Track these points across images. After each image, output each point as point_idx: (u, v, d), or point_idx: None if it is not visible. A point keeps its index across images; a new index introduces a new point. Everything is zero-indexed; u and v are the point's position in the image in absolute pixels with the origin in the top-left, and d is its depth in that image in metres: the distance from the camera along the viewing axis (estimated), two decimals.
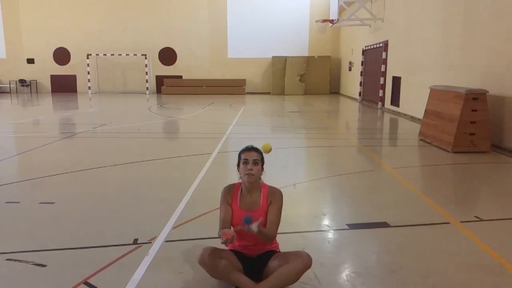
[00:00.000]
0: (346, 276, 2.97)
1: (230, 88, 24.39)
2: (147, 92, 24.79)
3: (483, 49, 8.36)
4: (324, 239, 3.67)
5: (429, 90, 9.07)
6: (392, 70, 14.70)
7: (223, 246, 2.77)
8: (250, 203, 2.86)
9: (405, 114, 13.06)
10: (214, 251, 2.72)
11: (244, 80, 24.90)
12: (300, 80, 24.11)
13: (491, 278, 2.94)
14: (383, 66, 15.29)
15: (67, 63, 25.41)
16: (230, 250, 2.86)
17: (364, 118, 13.75)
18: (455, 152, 7.35)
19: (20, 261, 3.16)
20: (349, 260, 3.25)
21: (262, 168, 2.87)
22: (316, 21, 21.23)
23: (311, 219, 4.19)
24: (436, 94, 8.63)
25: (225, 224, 2.84)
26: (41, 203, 4.59)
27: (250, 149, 2.87)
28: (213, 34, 24.68)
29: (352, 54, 21.28)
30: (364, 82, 18.70)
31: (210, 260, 2.67)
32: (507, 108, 7.54)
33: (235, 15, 24.45)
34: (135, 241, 3.51)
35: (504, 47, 7.64)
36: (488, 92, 7.46)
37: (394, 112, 14.12)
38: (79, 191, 5.12)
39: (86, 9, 24.62)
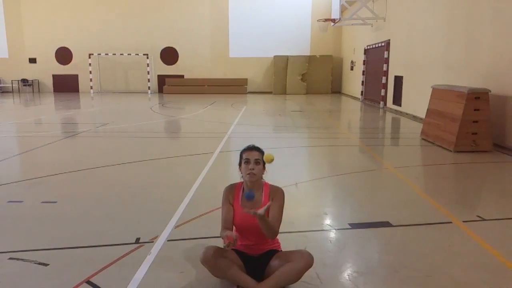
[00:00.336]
0: (348, 275, 2.97)
1: (232, 87, 24.39)
2: (149, 91, 24.81)
3: (486, 48, 8.34)
4: (326, 238, 3.67)
5: (431, 89, 9.05)
6: (394, 70, 14.67)
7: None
8: (252, 202, 2.85)
9: (407, 114, 13.04)
10: (217, 250, 2.72)
11: (246, 79, 24.90)
12: (301, 79, 24.09)
13: (493, 278, 2.93)
14: (385, 65, 15.26)
15: (69, 63, 25.45)
16: (232, 249, 2.86)
17: (366, 117, 13.73)
18: (457, 152, 7.34)
19: (22, 260, 3.17)
20: (351, 260, 3.25)
21: (264, 168, 2.87)
22: (318, 20, 21.21)
23: (313, 218, 4.19)
24: (438, 93, 8.61)
25: (227, 224, 2.84)
26: (43, 202, 4.60)
27: (251, 148, 2.87)
28: (215, 34, 24.68)
29: (354, 54, 21.25)
30: (366, 82, 18.67)
31: (213, 259, 2.67)
32: (509, 107, 7.52)
33: (237, 15, 24.44)
34: (137, 240, 3.51)
35: (507, 46, 7.62)
36: (490, 91, 7.44)
37: (396, 112, 14.10)
38: (81, 190, 5.13)
39: (88, 9, 24.66)
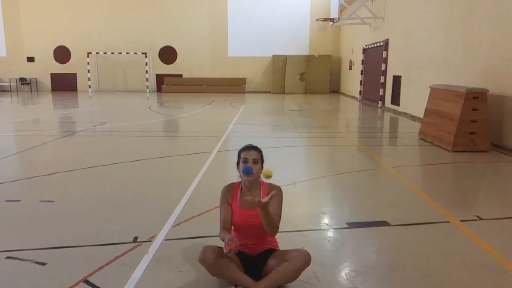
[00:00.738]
0: (345, 274, 2.97)
1: (231, 86, 24.37)
2: (147, 90, 24.78)
3: (484, 48, 8.35)
4: (324, 237, 3.67)
5: (429, 89, 9.06)
6: (392, 69, 14.69)
7: (223, 244, 2.77)
8: (251, 202, 2.85)
9: (405, 113, 13.05)
10: (215, 249, 2.72)
11: (245, 78, 24.89)
12: (300, 79, 24.09)
13: (491, 277, 2.93)
14: (383, 65, 15.27)
15: (67, 62, 25.40)
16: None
17: (364, 117, 13.74)
18: (455, 151, 7.35)
19: (20, 259, 3.16)
20: (349, 259, 3.25)
21: (262, 167, 2.86)
22: (316, 20, 21.22)
23: (311, 217, 4.19)
24: (437, 93, 8.62)
25: (225, 224, 2.84)
26: (41, 201, 4.59)
27: (249, 147, 2.87)
28: (214, 33, 24.66)
29: (352, 53, 21.26)
30: (364, 81, 18.68)
31: (210, 259, 2.67)
32: (507, 107, 7.53)
33: (235, 14, 24.42)
34: (135, 240, 3.51)
35: (505, 46, 7.63)
36: (488, 91, 7.45)
37: (394, 111, 14.11)
38: (79, 189, 5.12)
39: (87, 8, 24.61)
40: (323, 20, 20.41)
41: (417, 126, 9.96)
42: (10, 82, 25.15)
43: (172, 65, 25.19)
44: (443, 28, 10.29)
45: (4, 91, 25.07)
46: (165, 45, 24.92)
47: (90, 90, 24.64)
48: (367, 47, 17.80)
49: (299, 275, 2.68)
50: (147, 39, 24.73)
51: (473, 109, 7.34)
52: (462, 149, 7.36)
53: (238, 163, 2.88)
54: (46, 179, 5.56)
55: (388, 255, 3.31)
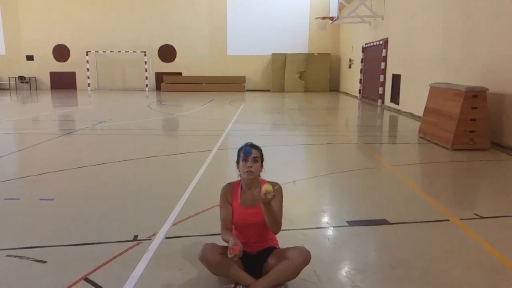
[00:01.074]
0: (345, 272, 2.98)
1: (230, 85, 24.37)
2: (147, 89, 24.77)
3: (483, 46, 8.35)
4: (323, 236, 3.68)
5: (429, 87, 9.07)
6: (392, 68, 14.69)
7: (223, 242, 2.78)
8: (251, 200, 2.85)
9: (405, 112, 13.06)
10: (215, 247, 2.72)
11: (244, 77, 24.88)
12: (300, 77, 24.09)
13: (490, 276, 2.94)
14: (383, 64, 15.27)
15: (66, 60, 25.38)
16: None
17: (363, 115, 13.75)
18: (455, 150, 7.36)
19: (20, 257, 3.17)
20: (349, 257, 3.26)
21: (262, 165, 2.86)
22: (316, 18, 21.21)
23: (311, 216, 4.19)
24: (436, 91, 8.62)
25: (226, 223, 2.84)
26: (41, 199, 4.59)
27: (249, 146, 2.87)
28: (213, 31, 24.64)
29: (352, 52, 21.26)
30: (364, 80, 18.68)
31: (211, 257, 2.67)
32: (507, 106, 7.54)
33: (235, 12, 24.40)
34: (135, 238, 3.51)
35: (504, 44, 7.63)
36: (488, 89, 7.45)
37: (394, 110, 14.12)
38: (79, 187, 5.12)
39: (86, 6, 24.58)
40: (322, 19, 20.39)
41: (416, 124, 9.96)
42: (9, 81, 25.13)
43: (171, 63, 25.18)
44: (443, 26, 10.29)
45: (3, 89, 25.03)
46: (164, 43, 24.90)
47: (89, 88, 24.62)
48: (366, 45, 17.79)
49: (299, 273, 2.69)
50: (147, 37, 24.70)
51: (472, 108, 7.35)
52: (461, 147, 7.37)
53: (237, 162, 2.88)
54: (46, 177, 5.56)
55: (387, 253, 3.32)
